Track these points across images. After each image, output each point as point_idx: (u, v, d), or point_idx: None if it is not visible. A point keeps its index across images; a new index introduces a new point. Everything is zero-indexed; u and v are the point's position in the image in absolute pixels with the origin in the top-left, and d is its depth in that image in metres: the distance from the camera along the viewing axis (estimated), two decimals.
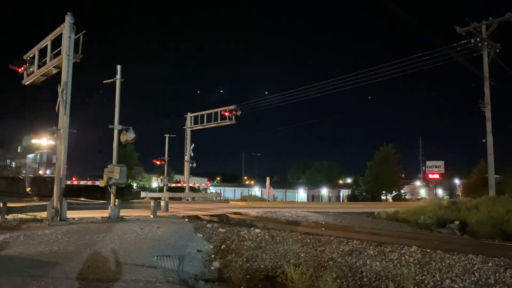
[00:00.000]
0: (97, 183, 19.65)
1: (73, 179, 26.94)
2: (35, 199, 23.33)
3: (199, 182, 34.76)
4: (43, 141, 27.46)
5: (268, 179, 33.97)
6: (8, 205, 12.20)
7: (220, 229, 12.13)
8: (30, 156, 28.32)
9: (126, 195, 28.15)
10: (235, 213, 16.76)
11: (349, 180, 76.52)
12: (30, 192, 26.34)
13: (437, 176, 51.65)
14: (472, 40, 22.56)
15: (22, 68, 13.70)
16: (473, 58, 22.87)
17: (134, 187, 37.36)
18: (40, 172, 27.24)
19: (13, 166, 31.50)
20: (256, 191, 50.29)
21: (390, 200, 47.64)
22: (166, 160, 22.34)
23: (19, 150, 29.49)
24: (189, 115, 29.63)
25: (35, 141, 27.96)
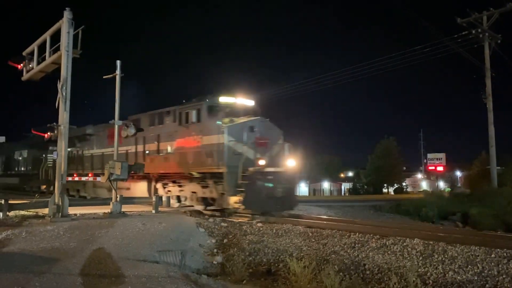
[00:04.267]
0: (98, 179, 19.60)
1: (74, 175, 21.51)
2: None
3: None
4: (238, 100, 15.44)
5: None
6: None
7: (222, 224, 12.13)
8: (228, 129, 13.90)
9: None
10: None
11: (350, 174, 76.47)
12: (237, 207, 13.41)
13: (440, 168, 51.58)
14: (473, 31, 22.45)
15: (22, 65, 13.64)
16: (475, 49, 22.78)
17: None
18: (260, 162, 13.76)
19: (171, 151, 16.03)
20: None
21: (392, 193, 47.66)
22: None
23: (193, 119, 14.97)
24: None
25: (224, 99, 15.16)
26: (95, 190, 20.05)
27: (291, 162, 14.60)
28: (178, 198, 15.99)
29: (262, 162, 13.65)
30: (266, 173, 13.62)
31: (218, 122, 14.07)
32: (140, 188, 17.30)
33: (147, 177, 16.97)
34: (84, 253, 7.93)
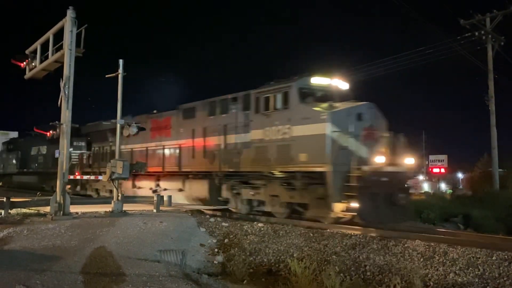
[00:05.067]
0: (100, 177, 19.61)
1: (76, 173, 21.21)
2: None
3: None
4: (333, 82, 12.67)
5: None
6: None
7: (223, 223, 12.13)
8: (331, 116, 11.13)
9: None
10: None
11: None
12: (344, 216, 11.10)
13: (437, 169, 51.44)
14: (476, 33, 22.42)
15: (24, 63, 13.68)
16: (478, 51, 22.77)
17: None
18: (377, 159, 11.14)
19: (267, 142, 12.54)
20: None
21: None
22: None
23: (278, 105, 12.39)
24: None
25: (317, 80, 12.37)
26: (135, 191, 18.04)
27: (409, 160, 11.60)
28: (250, 202, 13.40)
29: (380, 159, 10.90)
30: (382, 174, 10.77)
31: (315, 108, 11.43)
32: (198, 189, 14.68)
33: (208, 177, 14.38)
34: (85, 252, 7.94)
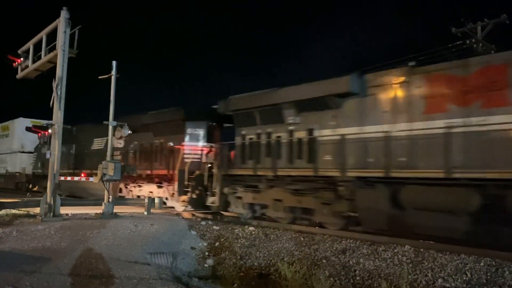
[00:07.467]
0: (91, 179, 19.44)
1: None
2: None
3: None
4: None
5: None
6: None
7: (214, 227, 12.13)
8: None
9: None
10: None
11: None
12: None
13: None
14: (468, 41, 22.69)
15: (16, 63, 13.64)
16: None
17: None
18: None
19: None
20: None
21: None
22: None
23: None
24: None
25: None
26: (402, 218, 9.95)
27: None
28: None
29: None
30: None
31: None
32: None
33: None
34: (75, 253, 7.91)
